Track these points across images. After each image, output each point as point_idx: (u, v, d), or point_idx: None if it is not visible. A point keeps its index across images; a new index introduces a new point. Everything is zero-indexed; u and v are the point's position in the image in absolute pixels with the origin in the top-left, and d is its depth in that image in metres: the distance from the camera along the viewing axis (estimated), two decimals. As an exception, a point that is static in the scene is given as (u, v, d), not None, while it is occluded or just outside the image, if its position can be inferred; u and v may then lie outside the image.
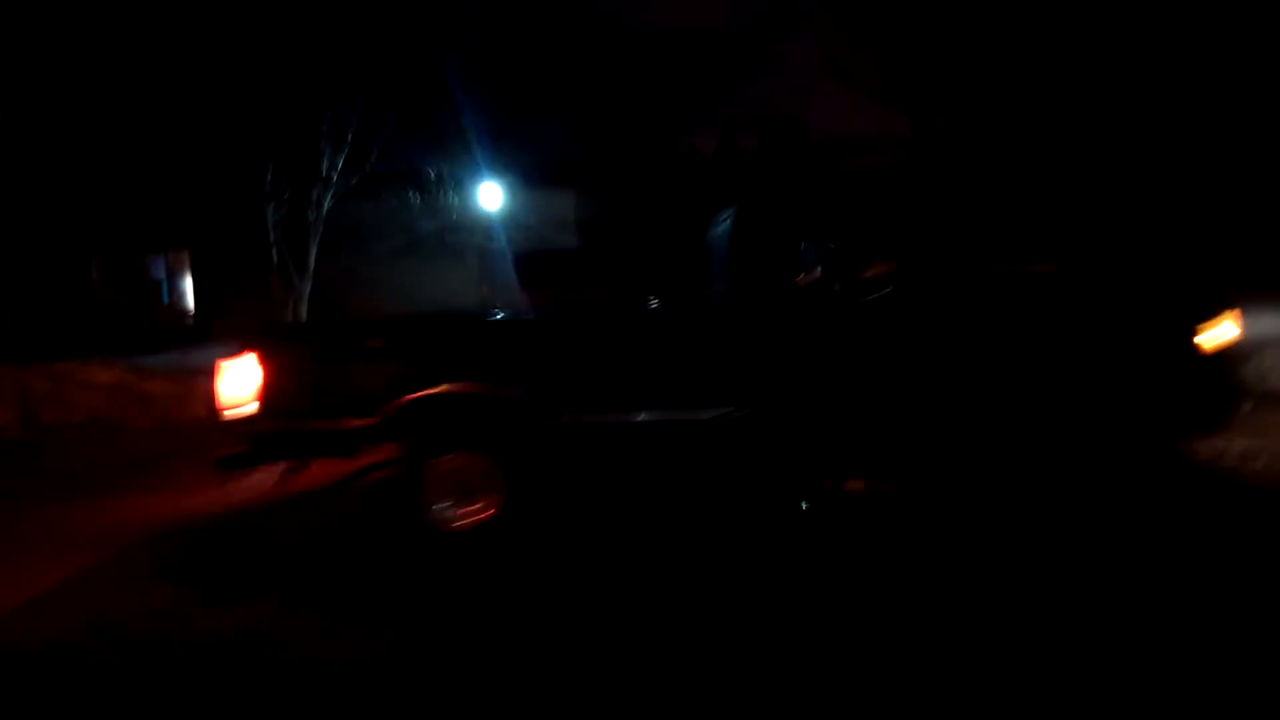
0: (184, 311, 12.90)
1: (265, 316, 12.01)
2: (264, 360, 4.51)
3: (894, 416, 4.60)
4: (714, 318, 4.77)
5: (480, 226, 14.96)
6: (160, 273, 12.48)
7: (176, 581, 4.28)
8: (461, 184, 13.95)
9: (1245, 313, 5.45)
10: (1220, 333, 4.76)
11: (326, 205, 12.30)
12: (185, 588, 4.21)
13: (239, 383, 4.52)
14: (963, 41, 20.02)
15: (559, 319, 5.30)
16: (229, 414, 4.55)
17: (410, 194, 13.36)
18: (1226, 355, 4.75)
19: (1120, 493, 4.64)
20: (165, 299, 12.60)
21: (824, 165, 20.95)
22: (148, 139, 10.64)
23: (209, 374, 4.85)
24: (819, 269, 4.66)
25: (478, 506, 4.55)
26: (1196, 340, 4.63)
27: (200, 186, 11.63)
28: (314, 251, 12.31)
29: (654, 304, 5.60)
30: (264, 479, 4.95)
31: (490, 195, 14.05)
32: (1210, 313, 4.71)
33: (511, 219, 14.87)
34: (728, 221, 4.95)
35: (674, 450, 4.73)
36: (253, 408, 4.51)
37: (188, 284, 12.80)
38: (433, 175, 13.53)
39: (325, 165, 12.09)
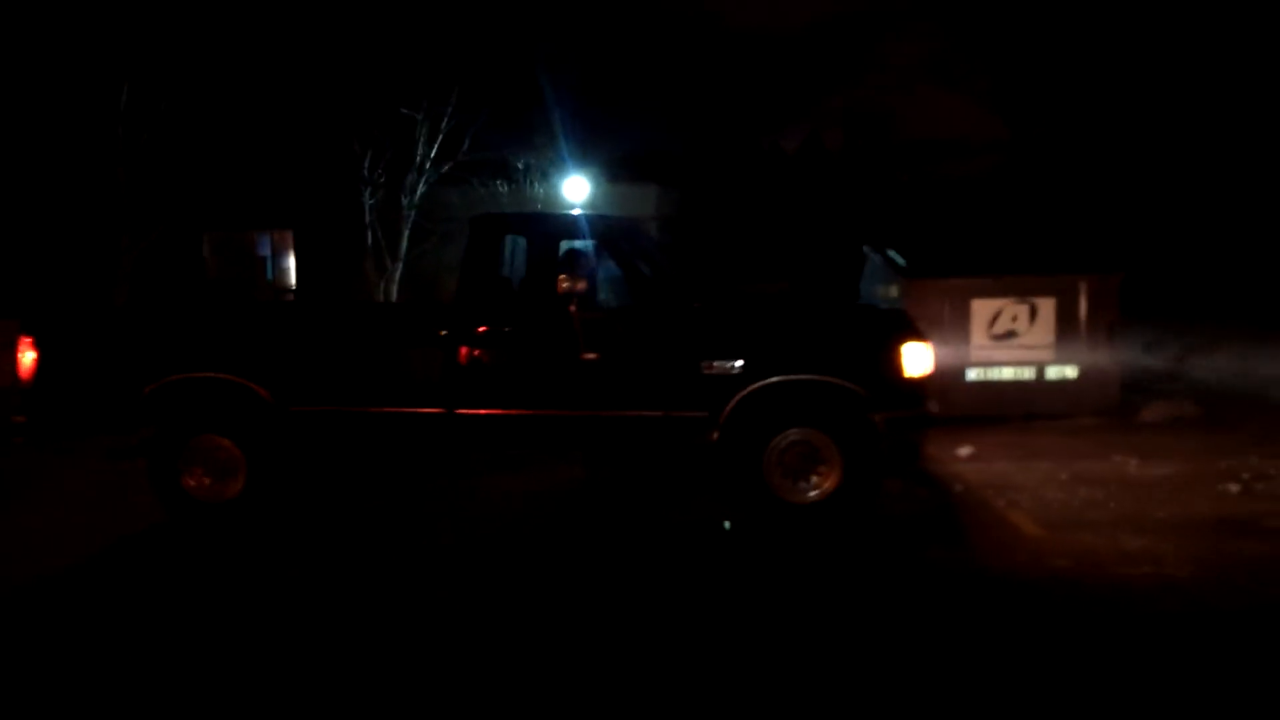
0: (286, 288, 13.81)
1: (360, 295, 12.72)
2: (36, 342, 5.04)
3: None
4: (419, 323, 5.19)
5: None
6: (265, 250, 13.39)
7: None
8: (547, 175, 14.43)
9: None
10: (916, 358, 4.90)
11: (419, 192, 12.94)
12: None
13: (23, 360, 5.05)
14: (1066, 47, 19.36)
15: (293, 313, 5.63)
16: (23, 386, 5.09)
17: (498, 184, 13.89)
18: (923, 382, 4.91)
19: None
20: (269, 276, 13.50)
21: (914, 167, 20.58)
22: (259, 121, 11.42)
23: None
24: (584, 281, 4.90)
25: (232, 483, 5.03)
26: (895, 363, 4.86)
27: (304, 170, 12.42)
28: (406, 235, 12.97)
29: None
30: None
31: (575, 187, 14.49)
32: (904, 337, 4.90)
33: (594, 211, 15.24)
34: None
35: (391, 440, 5.13)
36: (32, 383, 5.04)
37: (290, 263, 13.70)
38: (520, 166, 14.03)
39: (419, 154, 12.73)
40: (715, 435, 4.88)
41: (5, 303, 9.58)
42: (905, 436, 4.99)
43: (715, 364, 4.86)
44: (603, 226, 5.46)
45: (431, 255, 13.44)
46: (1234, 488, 5.53)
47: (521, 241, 5.64)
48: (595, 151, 15.00)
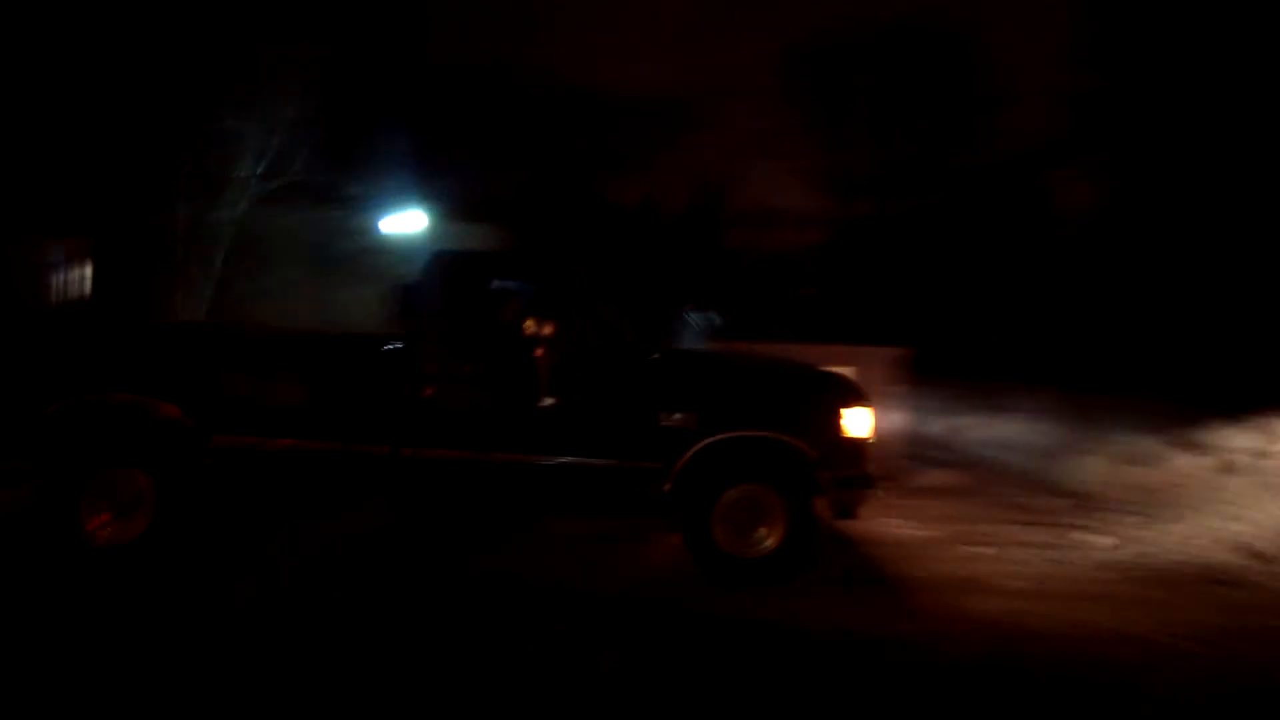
0: (78, 301, 12.64)
1: (164, 315, 11.80)
2: None
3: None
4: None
5: (400, 252, 15.05)
6: (58, 258, 12.28)
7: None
8: (384, 207, 14.07)
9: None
10: (862, 421, 5.14)
11: (241, 209, 12.28)
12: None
13: None
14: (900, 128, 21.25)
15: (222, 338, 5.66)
16: None
17: (330, 210, 13.42)
18: (865, 444, 5.17)
19: None
20: (59, 286, 12.37)
21: (743, 235, 21.78)
22: (56, 116, 10.51)
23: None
24: (552, 325, 4.98)
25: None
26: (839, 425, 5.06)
27: (109, 174, 11.51)
28: (222, 255, 12.25)
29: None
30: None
31: (411, 222, 14.21)
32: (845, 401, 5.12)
33: (432, 248, 14.88)
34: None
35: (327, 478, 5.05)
36: None
37: (87, 273, 12.60)
38: (356, 194, 13.63)
39: (244, 168, 12.09)
40: (668, 486, 4.94)
41: None
42: (844, 496, 5.14)
43: (673, 416, 4.94)
44: (572, 272, 5.36)
45: (251, 278, 12.73)
46: (985, 550, 6.13)
47: (479, 279, 5.38)
48: (435, 188, 14.80)
